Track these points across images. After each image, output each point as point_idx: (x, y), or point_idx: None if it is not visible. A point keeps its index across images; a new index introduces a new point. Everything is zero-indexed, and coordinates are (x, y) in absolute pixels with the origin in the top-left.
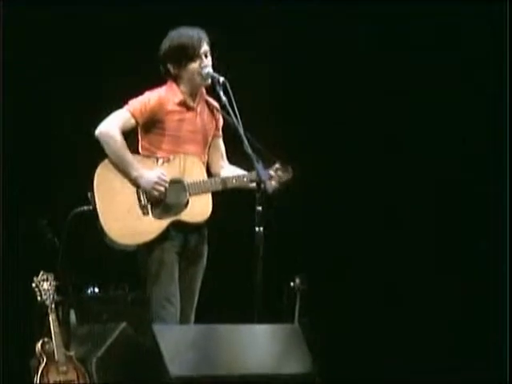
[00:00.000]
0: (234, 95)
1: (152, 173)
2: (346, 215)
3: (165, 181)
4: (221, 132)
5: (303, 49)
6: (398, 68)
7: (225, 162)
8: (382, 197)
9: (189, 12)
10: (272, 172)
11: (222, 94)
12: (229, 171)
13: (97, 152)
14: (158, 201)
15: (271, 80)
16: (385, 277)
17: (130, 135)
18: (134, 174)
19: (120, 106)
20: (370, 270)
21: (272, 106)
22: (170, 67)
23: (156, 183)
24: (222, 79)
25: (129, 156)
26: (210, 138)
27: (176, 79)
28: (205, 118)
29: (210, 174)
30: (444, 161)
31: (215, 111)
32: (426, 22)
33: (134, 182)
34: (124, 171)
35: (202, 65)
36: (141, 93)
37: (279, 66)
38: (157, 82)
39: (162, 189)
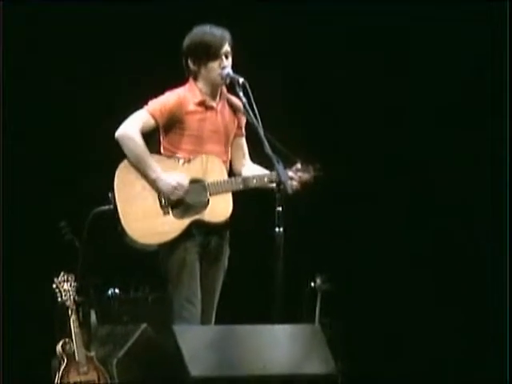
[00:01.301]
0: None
1: (171, 176)
2: (368, 214)
3: (183, 185)
4: (243, 131)
5: (315, 46)
6: (398, 68)
7: (247, 161)
8: (393, 195)
9: (191, 12)
10: (292, 173)
11: (241, 94)
12: (251, 170)
13: (117, 151)
14: (179, 201)
15: (285, 79)
16: (404, 275)
17: (152, 136)
18: (153, 175)
19: (121, 104)
20: (389, 269)
21: (291, 105)
22: (191, 63)
23: (174, 187)
24: (241, 80)
25: (148, 157)
26: (231, 137)
27: (196, 77)
28: (226, 117)
29: (232, 173)
30: (444, 163)
31: (237, 110)
32: (426, 22)
33: (153, 184)
34: (143, 173)
35: (222, 65)
36: (157, 92)
37: (293, 64)
38: (153, 77)
39: (181, 193)
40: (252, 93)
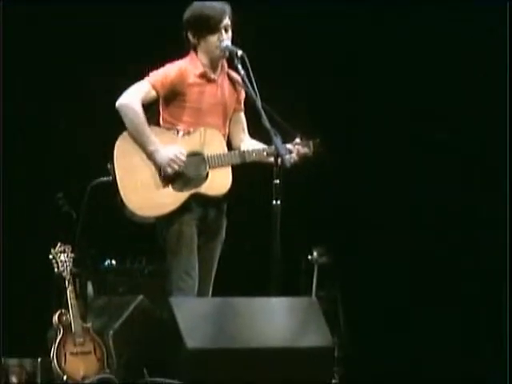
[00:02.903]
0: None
1: (169, 149)
2: (366, 188)
3: (181, 159)
4: (243, 106)
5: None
6: (398, 68)
7: (246, 136)
8: (399, 170)
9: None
10: (292, 146)
11: (239, 67)
12: (249, 145)
13: (115, 124)
14: (178, 173)
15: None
16: (403, 249)
17: (152, 107)
18: (151, 148)
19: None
20: (388, 242)
21: (293, 78)
22: (190, 36)
23: (172, 160)
24: (240, 52)
25: (147, 130)
26: (231, 111)
27: (196, 49)
28: (226, 91)
29: (230, 147)
30: (443, 163)
31: (237, 85)
32: (426, 23)
33: (150, 157)
34: (141, 144)
35: (221, 38)
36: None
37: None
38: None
39: (177, 167)
40: (252, 66)
